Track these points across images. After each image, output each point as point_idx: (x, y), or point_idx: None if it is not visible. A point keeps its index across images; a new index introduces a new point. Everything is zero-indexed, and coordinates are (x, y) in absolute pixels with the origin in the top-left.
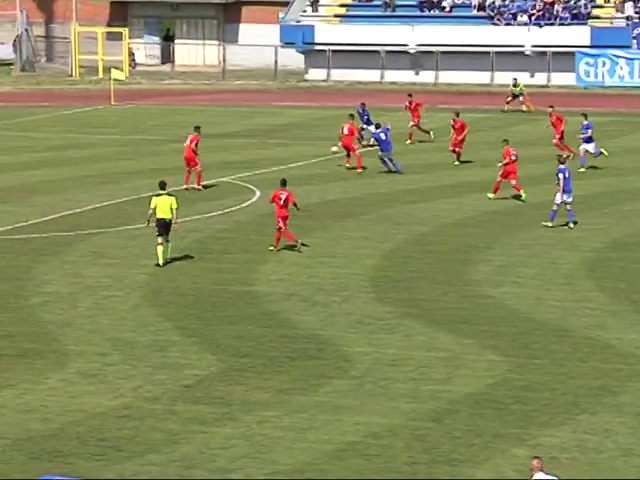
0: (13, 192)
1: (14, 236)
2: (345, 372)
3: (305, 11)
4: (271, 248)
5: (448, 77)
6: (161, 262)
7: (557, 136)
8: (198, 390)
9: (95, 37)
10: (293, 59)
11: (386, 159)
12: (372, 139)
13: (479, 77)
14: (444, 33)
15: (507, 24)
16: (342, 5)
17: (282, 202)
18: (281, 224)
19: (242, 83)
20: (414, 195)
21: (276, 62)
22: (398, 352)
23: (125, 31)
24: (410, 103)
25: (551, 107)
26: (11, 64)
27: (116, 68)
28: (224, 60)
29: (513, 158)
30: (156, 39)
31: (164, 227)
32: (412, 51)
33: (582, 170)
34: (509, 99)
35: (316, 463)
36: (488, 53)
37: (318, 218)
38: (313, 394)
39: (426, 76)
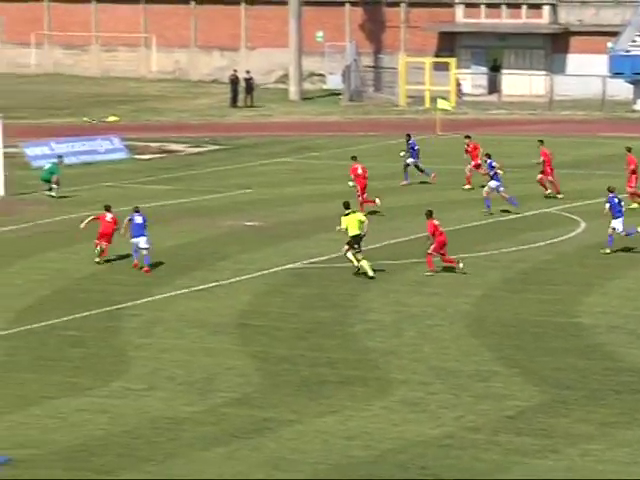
0: (339, 221)
1: (340, 264)
2: None
3: (635, 41)
4: (428, 274)
5: None
6: (356, 263)
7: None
8: (520, 421)
9: (422, 67)
10: (621, 89)
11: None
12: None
13: None
14: None
15: None
16: None
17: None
18: (435, 247)
19: (568, 113)
20: None
21: (604, 92)
22: None
23: (452, 61)
24: (468, 145)
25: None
26: (340, 94)
27: (443, 98)
28: (551, 90)
29: None
30: (483, 69)
31: (358, 242)
32: None
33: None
34: None
35: None
36: None
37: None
38: (637, 428)
39: None
